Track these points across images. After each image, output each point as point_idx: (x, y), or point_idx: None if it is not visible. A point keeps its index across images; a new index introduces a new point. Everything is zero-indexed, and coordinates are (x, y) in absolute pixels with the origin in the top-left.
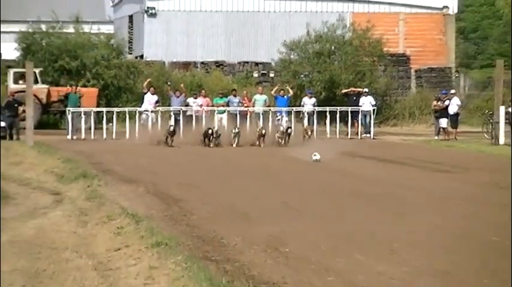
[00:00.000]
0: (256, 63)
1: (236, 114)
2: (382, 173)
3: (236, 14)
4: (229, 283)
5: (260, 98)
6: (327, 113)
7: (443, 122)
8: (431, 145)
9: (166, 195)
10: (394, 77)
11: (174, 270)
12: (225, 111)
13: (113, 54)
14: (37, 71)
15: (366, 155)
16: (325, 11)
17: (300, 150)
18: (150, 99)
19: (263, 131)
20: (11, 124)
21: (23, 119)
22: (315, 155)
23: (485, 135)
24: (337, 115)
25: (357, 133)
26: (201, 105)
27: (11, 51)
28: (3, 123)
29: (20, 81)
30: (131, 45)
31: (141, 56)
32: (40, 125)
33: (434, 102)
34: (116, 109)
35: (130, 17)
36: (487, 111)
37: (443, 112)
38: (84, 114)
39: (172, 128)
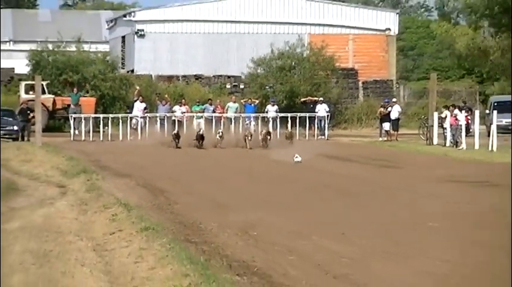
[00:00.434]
0: (229, 76)
1: (212, 119)
2: (338, 169)
3: (212, 35)
4: (207, 261)
5: (233, 106)
6: (289, 119)
7: (386, 126)
8: (377, 145)
9: (154, 187)
10: (345, 88)
11: (160, 250)
12: (202, 117)
13: (108, 69)
14: (44, 83)
15: (324, 154)
16: (286, 33)
17: (277, 151)
18: (139, 106)
19: (250, 134)
20: (23, 128)
21: (34, 124)
22: (296, 157)
23: (421, 137)
24: (297, 120)
25: (314, 135)
26: (184, 112)
27: (23, 66)
28: (16, 127)
29: (30, 92)
30: (123, 61)
31: (132, 71)
32: (47, 129)
33: (381, 109)
34: (110, 115)
35: (123, 37)
36: (422, 116)
37: (386, 117)
38: (84, 119)
39: (178, 132)
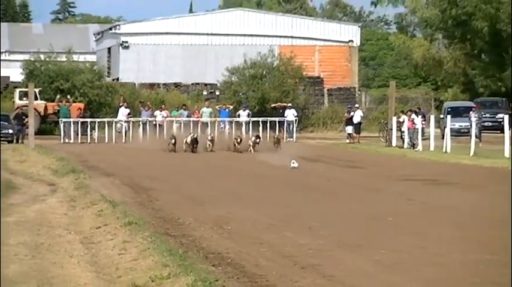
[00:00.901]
0: (206, 84)
1: (189, 123)
2: (306, 168)
3: (190, 46)
4: (185, 253)
5: (207, 111)
6: (260, 123)
7: (349, 129)
8: (341, 147)
9: (137, 185)
10: (311, 95)
11: (142, 243)
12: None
13: (96, 78)
14: (37, 90)
15: (293, 155)
16: (258, 44)
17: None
18: (123, 112)
19: (239, 139)
20: (19, 131)
21: (27, 127)
22: (293, 162)
23: (381, 139)
24: (268, 124)
25: (283, 138)
26: (165, 117)
27: (17, 75)
28: (11, 131)
29: (24, 98)
30: (109, 70)
31: (117, 79)
32: (39, 132)
33: (346, 114)
34: (97, 120)
35: (109, 49)
36: (382, 120)
37: (349, 121)
38: (73, 123)
39: (174, 136)
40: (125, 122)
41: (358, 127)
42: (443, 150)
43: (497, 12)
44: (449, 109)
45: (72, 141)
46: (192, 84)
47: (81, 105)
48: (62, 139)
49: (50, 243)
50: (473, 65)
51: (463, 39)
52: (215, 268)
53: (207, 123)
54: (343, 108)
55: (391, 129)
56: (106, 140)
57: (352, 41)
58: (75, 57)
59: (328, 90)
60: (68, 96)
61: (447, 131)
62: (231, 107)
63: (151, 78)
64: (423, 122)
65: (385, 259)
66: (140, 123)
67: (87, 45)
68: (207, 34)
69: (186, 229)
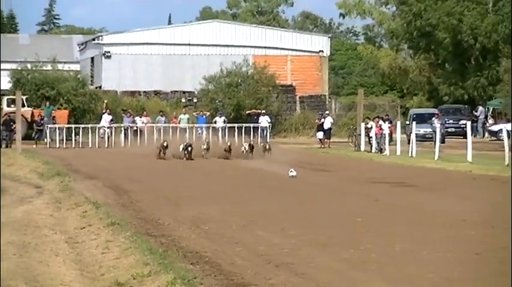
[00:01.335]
0: (184, 92)
1: (167, 129)
2: (280, 171)
3: (169, 56)
4: (164, 252)
5: (184, 117)
6: (235, 129)
7: (320, 135)
8: (312, 151)
9: (118, 188)
10: (284, 102)
11: (124, 243)
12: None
13: (80, 86)
14: (24, 97)
15: (267, 159)
16: (234, 54)
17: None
18: (106, 118)
19: (230, 146)
20: (7, 136)
21: (15, 133)
22: (291, 171)
23: (350, 144)
24: (243, 130)
25: (257, 143)
26: (145, 123)
27: (5, 83)
28: None
29: (12, 105)
30: (92, 79)
31: (100, 87)
32: (26, 137)
33: (317, 121)
34: (81, 125)
35: (92, 58)
36: (351, 126)
37: (320, 127)
38: (59, 129)
39: (166, 143)
40: (108, 127)
41: (328, 133)
42: (409, 154)
43: (459, 24)
44: (414, 116)
45: (57, 145)
46: (171, 92)
47: (66, 112)
48: (47, 144)
49: (36, 242)
50: (437, 74)
51: (427, 49)
52: (193, 266)
53: (185, 129)
54: (314, 114)
55: (360, 134)
56: (89, 145)
57: (322, 51)
58: (60, 66)
59: (300, 97)
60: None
61: (413, 136)
62: (208, 113)
63: (133, 86)
64: (390, 127)
65: (354, 257)
66: (122, 129)
67: (71, 55)
68: (185, 44)
69: (165, 229)
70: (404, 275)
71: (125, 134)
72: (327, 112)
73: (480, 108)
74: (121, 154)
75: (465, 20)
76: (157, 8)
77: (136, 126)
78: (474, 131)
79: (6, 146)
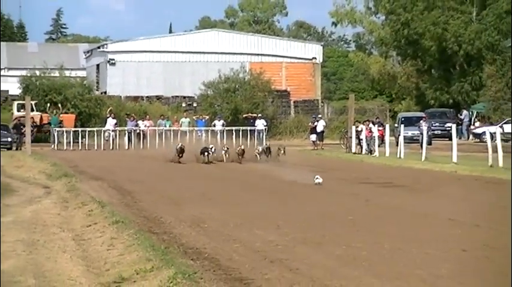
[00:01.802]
0: (184, 97)
1: (169, 132)
2: (273, 171)
3: (170, 63)
4: (166, 249)
5: (185, 120)
6: (233, 131)
7: (313, 137)
8: (305, 153)
9: (122, 188)
10: (279, 106)
11: (128, 240)
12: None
13: (86, 91)
14: (33, 102)
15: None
16: (231, 61)
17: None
18: (111, 122)
19: (242, 149)
20: (17, 139)
21: (25, 136)
22: (317, 178)
23: (342, 146)
24: (240, 133)
25: (254, 145)
26: (148, 126)
27: (15, 89)
28: (9, 139)
29: (22, 110)
30: (98, 84)
31: (105, 92)
32: (35, 140)
33: (310, 124)
34: (87, 129)
35: (98, 65)
36: (343, 129)
37: (313, 130)
38: (66, 132)
39: (182, 146)
40: (112, 131)
41: (321, 135)
42: (398, 156)
43: (444, 33)
44: (403, 119)
45: (64, 148)
46: (172, 97)
47: (73, 116)
48: (55, 147)
49: (44, 240)
50: (424, 80)
51: (415, 56)
52: (193, 262)
53: (185, 131)
54: (307, 118)
55: (351, 137)
56: (95, 148)
57: (315, 58)
58: (67, 73)
59: (294, 102)
60: (60, 107)
61: (401, 138)
62: (207, 117)
63: (136, 91)
64: (381, 130)
65: (345, 254)
66: (126, 132)
67: (77, 62)
68: (185, 52)
69: (167, 227)
70: (394, 271)
71: (128, 137)
72: (320, 116)
73: (464, 111)
74: (125, 156)
75: (450, 29)
76: (158, 17)
77: (140, 130)
78: (459, 133)
79: (17, 149)
